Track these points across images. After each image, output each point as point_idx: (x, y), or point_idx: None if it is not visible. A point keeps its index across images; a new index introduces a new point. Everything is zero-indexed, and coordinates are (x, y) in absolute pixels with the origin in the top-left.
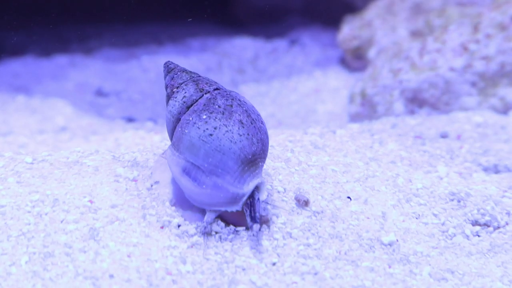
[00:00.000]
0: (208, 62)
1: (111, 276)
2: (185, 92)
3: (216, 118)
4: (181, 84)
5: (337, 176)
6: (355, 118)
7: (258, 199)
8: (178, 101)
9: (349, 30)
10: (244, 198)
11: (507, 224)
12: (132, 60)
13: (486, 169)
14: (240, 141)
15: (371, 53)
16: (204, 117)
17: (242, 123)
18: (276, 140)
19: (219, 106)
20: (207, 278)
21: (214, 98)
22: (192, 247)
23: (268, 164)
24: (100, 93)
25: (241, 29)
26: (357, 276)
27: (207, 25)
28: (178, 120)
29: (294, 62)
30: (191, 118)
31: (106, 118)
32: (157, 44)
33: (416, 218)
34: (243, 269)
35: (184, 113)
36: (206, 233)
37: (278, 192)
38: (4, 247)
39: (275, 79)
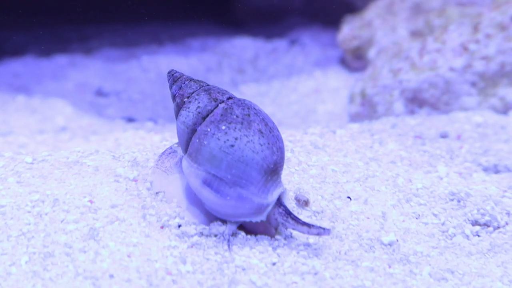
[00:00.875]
0: (208, 62)
1: (111, 276)
2: (199, 102)
3: (236, 128)
4: (192, 93)
5: (337, 176)
6: (355, 118)
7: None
8: (192, 112)
9: (349, 30)
10: (269, 208)
11: (507, 224)
12: (132, 60)
13: (486, 169)
14: (261, 151)
15: (371, 53)
16: (223, 127)
17: (262, 132)
18: None
19: (237, 116)
20: (207, 278)
21: (230, 108)
22: (192, 247)
23: None
24: (100, 93)
25: (241, 29)
26: (357, 276)
27: (207, 25)
28: (193, 131)
29: (294, 62)
30: (209, 129)
31: (106, 118)
32: (157, 44)
33: (416, 218)
34: (243, 269)
35: (200, 123)
36: (228, 242)
37: None
38: (4, 247)
39: (275, 79)
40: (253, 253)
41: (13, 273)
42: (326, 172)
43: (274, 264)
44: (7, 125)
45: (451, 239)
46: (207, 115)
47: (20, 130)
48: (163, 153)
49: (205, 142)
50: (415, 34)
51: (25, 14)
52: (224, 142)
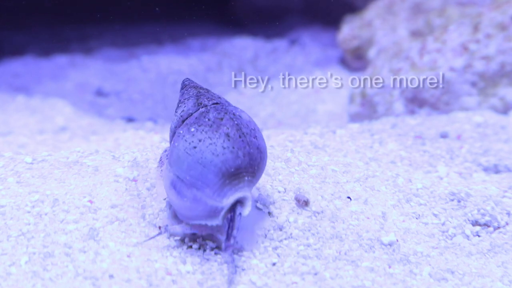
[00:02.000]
0: (208, 62)
1: (111, 276)
2: (184, 106)
3: (203, 130)
4: (185, 99)
5: (337, 176)
6: (355, 118)
7: (240, 214)
8: (177, 116)
9: (349, 30)
10: (223, 212)
11: (507, 224)
12: (132, 60)
13: (486, 169)
14: (223, 154)
15: (371, 53)
16: (193, 129)
17: (229, 136)
18: (276, 140)
19: (209, 119)
20: (207, 278)
21: (206, 112)
22: (192, 247)
23: (268, 164)
24: (100, 93)
25: (241, 29)
26: (357, 276)
27: (207, 25)
28: (174, 134)
29: (294, 62)
30: (181, 131)
31: (106, 118)
32: (157, 44)
33: (416, 218)
34: (243, 269)
35: (179, 126)
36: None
37: (278, 192)
38: (4, 247)
39: (275, 79)
40: (253, 253)
41: (13, 273)
42: (326, 172)
43: (274, 264)
44: (7, 125)
45: (451, 239)
46: (186, 118)
47: (20, 130)
48: (164, 151)
49: (176, 144)
50: (415, 34)
51: (25, 14)
52: (189, 143)
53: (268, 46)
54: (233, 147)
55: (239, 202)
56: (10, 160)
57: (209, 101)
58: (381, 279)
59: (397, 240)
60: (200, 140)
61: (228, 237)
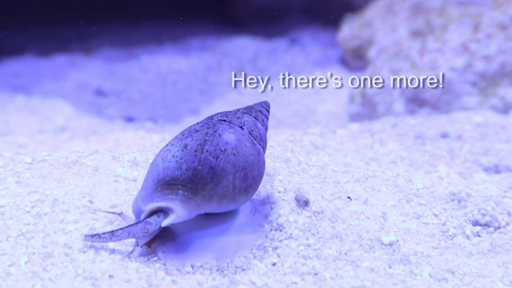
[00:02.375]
0: (208, 62)
1: (111, 276)
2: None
3: (176, 138)
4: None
5: (337, 176)
6: (355, 118)
7: (151, 223)
8: None
9: (349, 29)
10: (142, 215)
11: (507, 224)
12: (132, 60)
13: (486, 169)
14: (168, 161)
15: (371, 52)
16: (172, 142)
17: (186, 147)
18: (276, 140)
19: (189, 130)
20: (207, 278)
21: (198, 124)
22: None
23: (268, 164)
24: (99, 93)
25: (241, 29)
26: (357, 277)
27: (207, 25)
28: None
29: (294, 61)
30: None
31: (105, 118)
32: (157, 44)
33: (417, 218)
34: (243, 270)
35: None
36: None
37: (279, 192)
38: (4, 247)
39: (275, 79)
40: (253, 254)
41: (13, 274)
42: (326, 172)
43: (274, 264)
44: (7, 125)
45: (451, 239)
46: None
47: (20, 130)
48: None
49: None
50: (416, 33)
51: (25, 14)
52: (165, 146)
53: (268, 46)
54: (181, 158)
55: (163, 212)
56: (10, 160)
57: (218, 117)
58: (381, 280)
59: (398, 240)
60: (167, 145)
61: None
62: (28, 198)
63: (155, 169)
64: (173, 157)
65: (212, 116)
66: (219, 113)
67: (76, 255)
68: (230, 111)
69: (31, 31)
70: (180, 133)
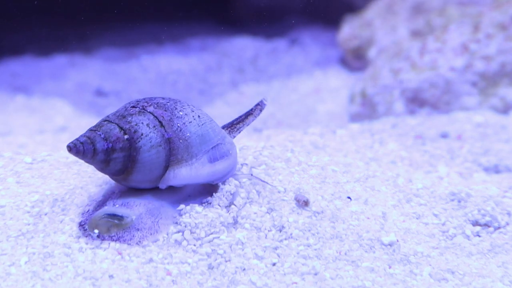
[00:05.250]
0: (208, 62)
1: (111, 276)
2: (142, 123)
3: (182, 106)
4: (124, 127)
5: (337, 176)
6: (355, 118)
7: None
8: (150, 132)
9: (349, 29)
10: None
11: (507, 224)
12: (132, 60)
13: (486, 169)
14: (197, 106)
15: (371, 52)
16: (181, 113)
17: (179, 100)
18: (276, 140)
19: (167, 102)
20: (207, 278)
21: (156, 103)
22: (193, 246)
23: (268, 164)
24: (99, 93)
25: (241, 29)
26: (357, 277)
27: (207, 25)
28: (167, 141)
29: (294, 62)
30: (178, 124)
31: None
32: (157, 44)
33: (417, 218)
34: (243, 269)
35: (166, 130)
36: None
37: (279, 192)
38: (4, 247)
39: (275, 79)
40: (253, 253)
41: (13, 274)
42: (326, 172)
43: (274, 264)
44: (7, 125)
45: (451, 239)
46: (160, 122)
47: (20, 130)
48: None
49: (188, 134)
50: (416, 33)
51: (25, 14)
52: (194, 119)
53: (268, 46)
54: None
55: None
56: (10, 160)
57: (135, 107)
58: (381, 279)
59: (398, 240)
60: (192, 110)
61: (246, 114)
62: (28, 198)
63: (211, 117)
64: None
65: (139, 111)
66: (128, 111)
67: (76, 255)
68: (121, 111)
69: (31, 31)
70: (174, 111)
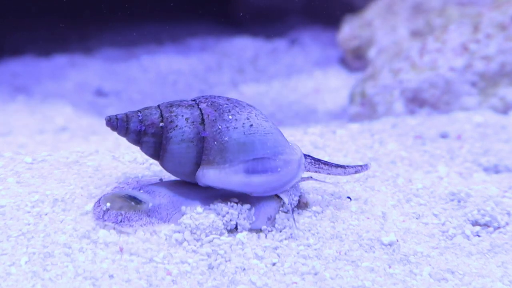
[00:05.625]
0: (208, 62)
1: (111, 276)
2: (182, 116)
3: (238, 111)
4: (162, 116)
5: (337, 176)
6: (355, 118)
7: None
8: (186, 126)
9: (349, 29)
10: (303, 159)
11: (507, 224)
12: (132, 60)
13: (486, 169)
14: (267, 118)
15: (371, 53)
16: (230, 117)
17: (250, 105)
18: None
19: (226, 104)
20: (207, 278)
21: (212, 102)
22: (193, 246)
23: None
24: (100, 93)
25: (241, 29)
26: (357, 276)
27: (207, 25)
28: (201, 140)
29: (294, 62)
30: (219, 127)
31: None
32: (157, 44)
33: (416, 218)
34: (243, 269)
35: (203, 129)
36: (293, 211)
37: None
38: (4, 247)
39: (275, 79)
40: (253, 253)
41: (13, 273)
42: None
43: (274, 264)
44: (7, 125)
45: (451, 239)
46: (203, 119)
47: (20, 130)
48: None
49: (226, 138)
50: (416, 33)
51: (25, 14)
52: (243, 126)
53: (268, 46)
54: (261, 112)
55: None
56: (10, 160)
57: (186, 101)
58: (381, 279)
59: (397, 240)
60: (247, 118)
61: (345, 166)
62: (29, 198)
63: (273, 129)
64: (261, 113)
65: (187, 105)
66: (174, 103)
67: (76, 255)
68: (168, 102)
69: (31, 31)
70: (226, 113)
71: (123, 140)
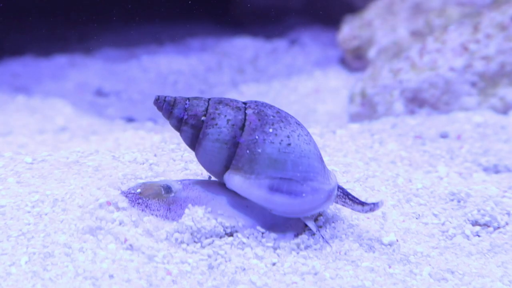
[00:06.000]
0: (208, 62)
1: (111, 276)
2: (226, 116)
3: (281, 127)
4: (207, 110)
5: (337, 176)
6: (355, 118)
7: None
8: (224, 126)
9: (349, 30)
10: (335, 191)
11: (507, 224)
12: (132, 60)
13: (486, 169)
14: (310, 141)
15: (371, 53)
16: (271, 130)
17: (298, 124)
18: None
19: (273, 116)
20: (207, 278)
21: (260, 111)
22: (192, 246)
23: None
24: (100, 93)
25: (241, 29)
26: (357, 276)
27: (207, 25)
28: (235, 144)
29: (294, 62)
30: (256, 137)
31: (106, 118)
32: (157, 44)
33: (416, 218)
34: (243, 269)
35: (241, 135)
36: (323, 237)
37: None
38: (4, 247)
39: (275, 79)
40: (253, 253)
41: (13, 273)
42: None
43: (274, 264)
44: (7, 125)
45: (451, 239)
46: (243, 125)
47: (20, 130)
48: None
49: (259, 150)
50: (415, 34)
51: (25, 14)
52: (280, 143)
53: (268, 46)
54: (307, 133)
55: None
56: (10, 160)
57: (237, 103)
58: (381, 279)
59: (397, 240)
60: (288, 136)
61: (363, 203)
62: (29, 198)
63: (312, 154)
64: (306, 135)
65: (236, 106)
66: (225, 101)
67: (77, 255)
68: (221, 98)
69: (31, 31)
70: (268, 125)
71: (123, 140)
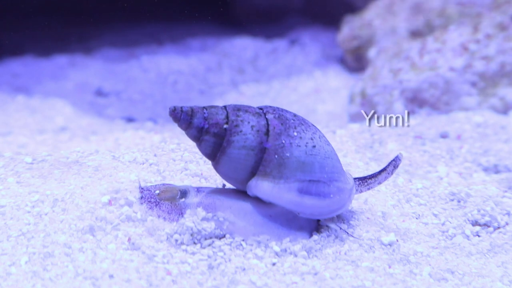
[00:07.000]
0: (208, 62)
1: (111, 276)
2: (249, 122)
3: (303, 130)
4: (227, 117)
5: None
6: (355, 118)
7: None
8: (250, 133)
9: (349, 30)
10: (354, 190)
11: (507, 224)
12: (132, 60)
13: (486, 169)
14: (328, 141)
15: (371, 53)
16: (295, 133)
17: (314, 125)
18: None
19: (293, 120)
20: (207, 278)
21: (280, 115)
22: (192, 246)
23: None
24: (100, 93)
25: (241, 29)
26: (357, 276)
27: (207, 25)
28: (262, 150)
29: (294, 62)
30: (283, 141)
31: (106, 118)
32: (157, 44)
33: (416, 218)
34: (243, 269)
35: (267, 140)
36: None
37: None
38: (4, 247)
39: (275, 79)
40: (253, 254)
41: (13, 273)
42: None
43: (274, 264)
44: (7, 125)
45: (451, 239)
46: (268, 130)
47: (20, 130)
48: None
49: (288, 154)
50: (415, 34)
51: (25, 14)
52: (306, 145)
53: (268, 46)
54: (323, 135)
55: None
56: (10, 160)
57: (255, 109)
58: (381, 279)
59: (397, 240)
60: (312, 139)
61: (385, 169)
62: (29, 198)
63: (333, 154)
64: (323, 136)
65: (256, 112)
66: (243, 108)
67: (76, 255)
68: (238, 105)
69: (32, 31)
70: (292, 129)
71: (123, 140)
